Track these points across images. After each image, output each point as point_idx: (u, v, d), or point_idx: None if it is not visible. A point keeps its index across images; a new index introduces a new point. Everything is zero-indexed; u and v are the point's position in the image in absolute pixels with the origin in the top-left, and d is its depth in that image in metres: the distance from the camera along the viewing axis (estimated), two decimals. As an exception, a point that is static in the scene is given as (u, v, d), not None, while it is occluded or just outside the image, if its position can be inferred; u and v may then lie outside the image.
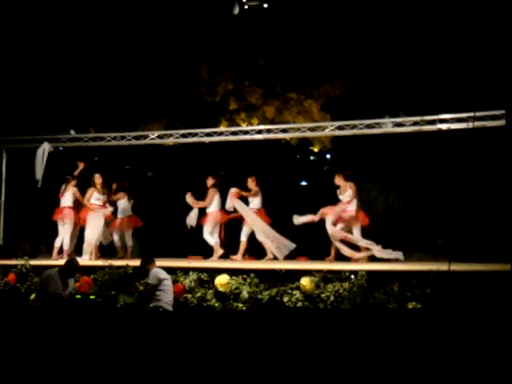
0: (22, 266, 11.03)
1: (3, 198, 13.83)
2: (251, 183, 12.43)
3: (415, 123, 12.05)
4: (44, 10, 12.50)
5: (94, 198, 12.50)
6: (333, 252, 11.79)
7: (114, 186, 13.12)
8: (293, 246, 12.10)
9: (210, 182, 12.72)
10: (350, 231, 11.85)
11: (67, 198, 12.50)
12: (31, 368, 5.10)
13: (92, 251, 12.25)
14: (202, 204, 12.64)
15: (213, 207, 12.59)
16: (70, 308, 8.24)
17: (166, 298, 9.29)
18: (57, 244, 12.49)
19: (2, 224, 13.78)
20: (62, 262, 10.55)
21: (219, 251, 12.34)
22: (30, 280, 10.92)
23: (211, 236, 12.48)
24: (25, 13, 12.43)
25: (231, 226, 12.99)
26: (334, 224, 11.74)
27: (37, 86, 14.60)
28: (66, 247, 12.37)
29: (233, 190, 12.44)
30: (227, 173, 17.53)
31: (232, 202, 12.37)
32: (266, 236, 12.13)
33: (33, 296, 10.42)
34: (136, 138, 13.74)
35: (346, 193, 11.94)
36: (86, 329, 5.61)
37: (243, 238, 12.38)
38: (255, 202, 12.44)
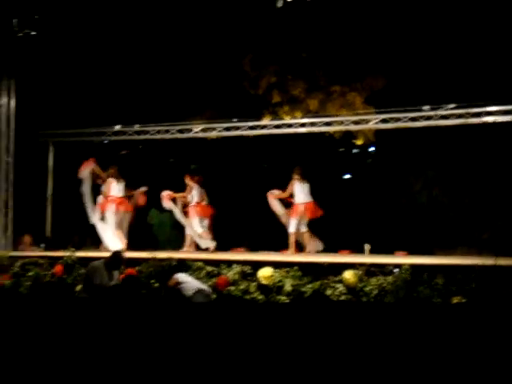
0: (68, 258, 11.21)
1: (51, 191, 14.06)
2: (188, 180, 13.20)
3: (460, 116, 11.90)
4: (92, 6, 12.63)
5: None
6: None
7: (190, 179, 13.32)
8: (212, 244, 12.70)
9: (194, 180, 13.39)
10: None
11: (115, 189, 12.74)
12: (78, 357, 5.19)
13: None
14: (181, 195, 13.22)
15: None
16: (115, 299, 8.35)
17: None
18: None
19: (49, 216, 14.02)
20: (107, 253, 10.71)
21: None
22: (76, 271, 11.09)
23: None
24: (73, 9, 12.58)
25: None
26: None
27: (83, 80, 14.78)
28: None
29: (165, 194, 13.10)
30: (270, 166, 17.54)
31: (166, 203, 13.13)
32: (192, 229, 12.90)
33: (79, 287, 10.58)
34: (180, 131, 13.83)
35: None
36: (130, 319, 5.68)
37: (292, 230, 12.43)
38: (194, 197, 13.11)
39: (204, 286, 9.68)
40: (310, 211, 12.50)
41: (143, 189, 13.27)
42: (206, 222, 13.25)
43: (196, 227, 12.91)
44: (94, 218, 12.86)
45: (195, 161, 18.72)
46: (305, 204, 12.51)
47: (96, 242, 13.02)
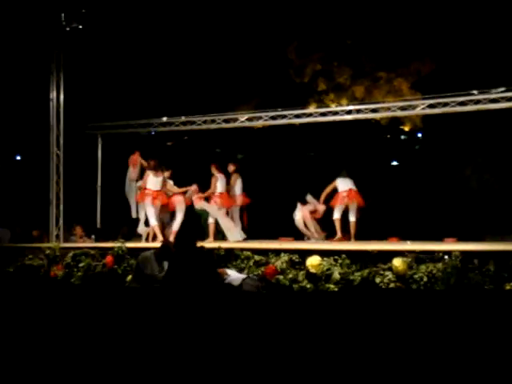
0: (118, 249, 11.36)
1: (100, 183, 14.26)
2: (213, 170, 12.86)
3: (510, 99, 11.66)
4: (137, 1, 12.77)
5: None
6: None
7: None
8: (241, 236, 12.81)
9: (231, 167, 13.15)
10: None
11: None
12: (129, 348, 5.26)
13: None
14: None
15: (237, 191, 13.14)
16: (166, 289, 8.43)
17: None
18: (174, 228, 12.75)
19: (99, 208, 14.23)
20: (155, 244, 10.83)
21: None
22: (126, 262, 11.24)
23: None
24: (120, 2, 12.71)
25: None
26: None
27: (129, 73, 14.93)
28: (175, 229, 12.58)
29: (194, 197, 12.96)
30: (317, 154, 17.50)
31: (197, 205, 12.98)
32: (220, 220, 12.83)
33: (129, 277, 10.72)
34: (226, 121, 13.85)
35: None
36: (179, 309, 5.74)
37: (337, 215, 12.46)
38: (218, 187, 12.80)
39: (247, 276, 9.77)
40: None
41: (194, 187, 13.12)
42: (234, 212, 13.20)
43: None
44: (134, 211, 13.04)
45: (241, 150, 18.78)
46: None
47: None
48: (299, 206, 13.17)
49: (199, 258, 8.63)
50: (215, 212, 12.80)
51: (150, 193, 12.50)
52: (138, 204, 13.02)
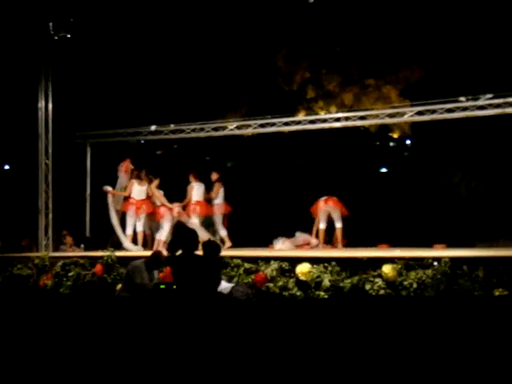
0: (108, 257, 11.33)
1: (89, 191, 14.22)
2: (191, 178, 12.91)
3: (498, 106, 11.72)
4: (126, 8, 12.73)
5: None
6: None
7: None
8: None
9: (214, 176, 13.11)
10: None
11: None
12: (117, 357, 5.24)
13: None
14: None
15: (219, 200, 13.04)
16: (155, 298, 8.41)
17: None
18: (163, 238, 12.63)
19: (88, 217, 14.19)
20: (146, 253, 10.80)
21: (227, 243, 12.85)
22: (116, 271, 11.20)
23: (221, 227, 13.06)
24: (108, 12, 12.69)
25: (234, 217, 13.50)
26: None
27: (118, 82, 14.93)
28: (163, 238, 12.61)
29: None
30: (306, 162, 17.52)
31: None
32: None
33: (119, 286, 10.68)
34: (215, 129, 13.87)
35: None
36: (170, 318, 5.72)
37: (322, 226, 12.58)
38: (193, 196, 12.83)
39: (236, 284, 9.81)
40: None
41: (177, 209, 13.05)
42: (216, 221, 13.16)
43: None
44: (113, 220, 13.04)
45: (231, 158, 18.80)
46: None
47: (134, 241, 13.13)
48: (283, 239, 13.11)
49: (216, 265, 8.59)
50: (192, 223, 12.77)
51: (134, 202, 12.60)
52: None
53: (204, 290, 7.99)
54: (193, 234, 8.41)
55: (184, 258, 8.19)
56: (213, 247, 8.73)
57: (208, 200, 13.05)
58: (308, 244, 13.07)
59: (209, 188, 13.11)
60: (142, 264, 9.65)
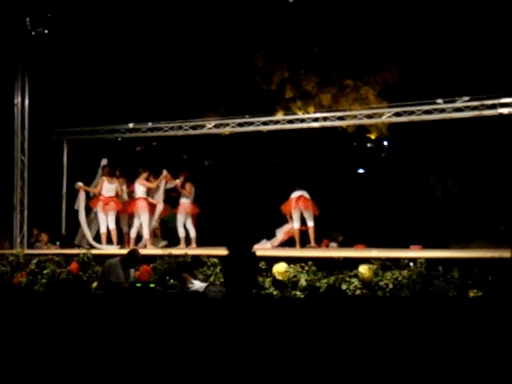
0: (84, 255, 11.26)
1: (65, 189, 14.12)
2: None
3: (475, 108, 11.80)
4: (103, 4, 12.66)
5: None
6: None
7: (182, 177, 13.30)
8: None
9: (183, 176, 13.30)
10: None
11: (140, 190, 12.74)
12: (92, 355, 5.20)
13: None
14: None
15: (189, 199, 13.15)
16: (131, 296, 8.36)
17: None
18: (132, 235, 12.82)
19: (64, 214, 14.09)
20: (122, 251, 10.76)
21: (182, 244, 13.02)
22: (91, 269, 11.14)
23: (182, 227, 13.10)
24: (85, 7, 12.60)
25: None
26: None
27: (95, 78, 14.83)
28: (146, 236, 12.71)
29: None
30: (284, 161, 17.54)
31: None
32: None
33: (94, 284, 10.63)
34: (193, 127, 13.83)
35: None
36: (146, 317, 5.69)
37: (296, 225, 12.74)
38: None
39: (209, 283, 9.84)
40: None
41: (165, 173, 13.15)
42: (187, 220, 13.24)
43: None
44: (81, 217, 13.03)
45: (209, 157, 18.77)
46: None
47: (110, 240, 13.08)
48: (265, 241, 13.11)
49: (252, 263, 8.42)
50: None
51: (102, 199, 12.61)
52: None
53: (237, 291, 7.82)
54: (243, 233, 8.31)
55: (233, 258, 8.05)
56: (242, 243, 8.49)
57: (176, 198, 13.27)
58: (289, 232, 13.00)
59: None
60: (117, 262, 9.60)
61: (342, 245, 13.18)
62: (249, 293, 7.93)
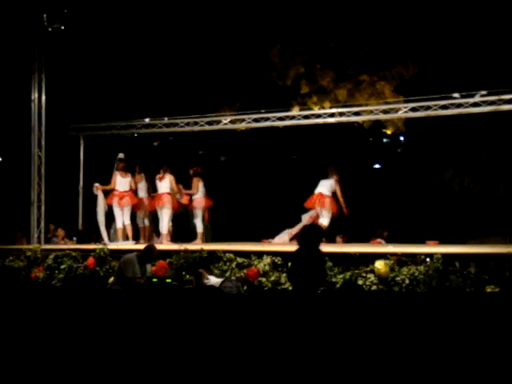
0: (100, 250, 11.31)
1: (82, 184, 14.19)
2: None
3: (492, 102, 11.72)
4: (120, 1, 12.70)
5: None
6: None
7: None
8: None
9: (191, 171, 13.16)
10: None
11: (164, 185, 12.76)
12: (108, 350, 5.23)
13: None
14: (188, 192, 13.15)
15: (200, 194, 13.08)
16: (147, 291, 8.40)
17: None
18: (164, 231, 12.84)
19: (81, 209, 14.16)
20: (139, 246, 10.80)
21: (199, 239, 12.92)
22: (108, 264, 11.18)
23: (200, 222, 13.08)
24: (102, 3, 12.64)
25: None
26: None
27: (112, 74, 14.87)
28: (164, 231, 12.77)
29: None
30: (300, 157, 17.51)
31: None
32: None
33: (111, 279, 10.67)
34: (209, 123, 13.85)
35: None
36: (163, 312, 5.71)
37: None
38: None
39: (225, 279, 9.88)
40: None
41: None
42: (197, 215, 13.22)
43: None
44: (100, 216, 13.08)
45: (225, 153, 18.77)
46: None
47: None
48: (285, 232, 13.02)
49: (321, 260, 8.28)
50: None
51: (117, 194, 12.60)
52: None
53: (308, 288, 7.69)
54: (317, 229, 8.25)
55: (302, 253, 7.95)
56: (310, 240, 8.05)
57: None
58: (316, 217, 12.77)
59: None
60: (134, 257, 9.63)
61: (359, 240, 13.14)
62: (318, 289, 7.79)
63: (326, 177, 12.64)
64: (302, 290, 7.69)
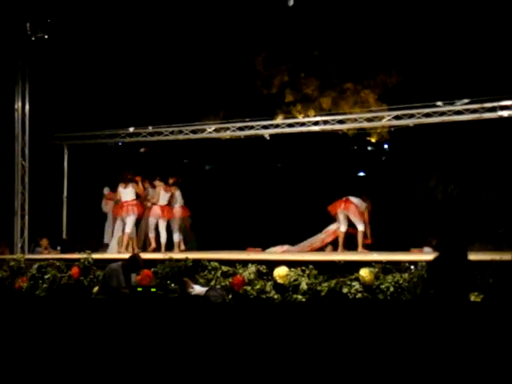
0: (85, 260, 11.25)
1: (66, 194, 14.12)
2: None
3: (475, 111, 11.81)
4: (104, 10, 12.67)
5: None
6: None
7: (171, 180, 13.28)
8: None
9: (171, 180, 13.16)
10: None
11: (163, 197, 12.92)
12: (93, 359, 5.21)
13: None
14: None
15: (179, 204, 13.09)
16: (132, 301, 8.37)
17: None
18: (176, 239, 13.01)
19: (65, 219, 14.09)
20: (122, 256, 10.77)
21: (181, 246, 13.01)
22: (92, 273, 11.13)
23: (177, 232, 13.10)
24: (85, 13, 12.61)
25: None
26: None
27: (96, 83, 14.84)
28: (163, 240, 12.86)
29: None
30: (284, 165, 17.54)
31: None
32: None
33: (95, 289, 10.62)
34: (193, 131, 13.85)
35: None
36: (147, 320, 5.70)
37: (360, 227, 12.50)
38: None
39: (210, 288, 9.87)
40: None
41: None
42: (174, 224, 13.20)
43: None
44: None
45: (210, 161, 18.77)
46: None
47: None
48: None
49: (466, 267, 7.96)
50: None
51: (124, 204, 12.77)
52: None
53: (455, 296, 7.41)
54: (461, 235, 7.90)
55: (447, 261, 7.62)
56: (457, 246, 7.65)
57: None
58: (334, 233, 12.75)
59: None
60: (118, 267, 9.58)
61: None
62: (463, 297, 7.55)
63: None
64: (451, 298, 7.47)
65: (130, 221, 12.69)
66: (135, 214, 12.75)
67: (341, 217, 12.48)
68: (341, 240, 12.50)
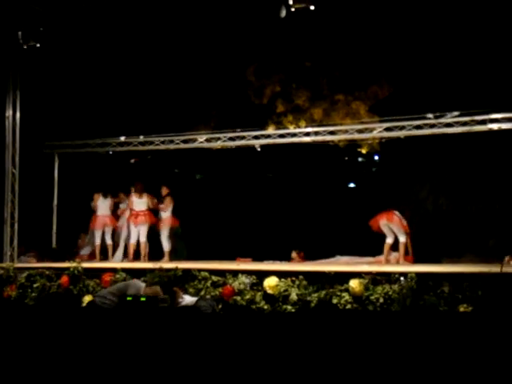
0: (74, 269, 11.22)
1: (56, 202, 14.09)
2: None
3: (465, 123, 11.88)
4: (95, 19, 12.68)
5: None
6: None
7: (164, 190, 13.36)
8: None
9: (164, 190, 13.43)
10: None
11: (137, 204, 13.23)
12: (82, 368, 5.19)
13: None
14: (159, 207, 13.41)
15: (168, 213, 13.33)
16: (122, 310, 8.35)
17: None
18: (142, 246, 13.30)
19: (55, 227, 14.05)
20: (125, 265, 10.86)
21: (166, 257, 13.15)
22: (82, 282, 11.09)
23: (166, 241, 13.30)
24: (77, 22, 12.62)
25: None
26: None
27: (87, 92, 14.83)
28: (166, 249, 13.13)
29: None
30: (275, 176, 17.54)
31: None
32: None
33: (85, 298, 10.60)
34: (184, 141, 13.86)
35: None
36: (136, 330, 5.68)
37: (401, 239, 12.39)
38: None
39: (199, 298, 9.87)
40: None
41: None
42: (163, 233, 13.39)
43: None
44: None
45: (200, 171, 18.75)
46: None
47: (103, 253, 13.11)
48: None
49: None
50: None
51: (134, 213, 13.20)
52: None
53: None
54: None
55: None
56: None
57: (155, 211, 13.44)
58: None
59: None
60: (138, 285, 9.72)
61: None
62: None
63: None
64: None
65: (144, 230, 13.10)
66: (147, 223, 13.16)
67: (384, 229, 12.40)
68: (401, 250, 12.27)
